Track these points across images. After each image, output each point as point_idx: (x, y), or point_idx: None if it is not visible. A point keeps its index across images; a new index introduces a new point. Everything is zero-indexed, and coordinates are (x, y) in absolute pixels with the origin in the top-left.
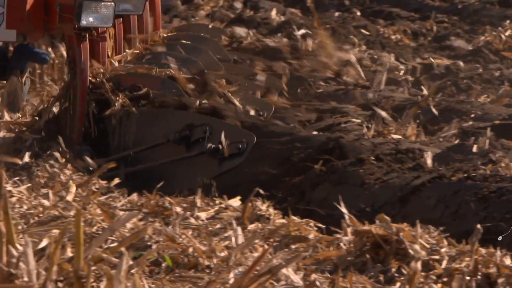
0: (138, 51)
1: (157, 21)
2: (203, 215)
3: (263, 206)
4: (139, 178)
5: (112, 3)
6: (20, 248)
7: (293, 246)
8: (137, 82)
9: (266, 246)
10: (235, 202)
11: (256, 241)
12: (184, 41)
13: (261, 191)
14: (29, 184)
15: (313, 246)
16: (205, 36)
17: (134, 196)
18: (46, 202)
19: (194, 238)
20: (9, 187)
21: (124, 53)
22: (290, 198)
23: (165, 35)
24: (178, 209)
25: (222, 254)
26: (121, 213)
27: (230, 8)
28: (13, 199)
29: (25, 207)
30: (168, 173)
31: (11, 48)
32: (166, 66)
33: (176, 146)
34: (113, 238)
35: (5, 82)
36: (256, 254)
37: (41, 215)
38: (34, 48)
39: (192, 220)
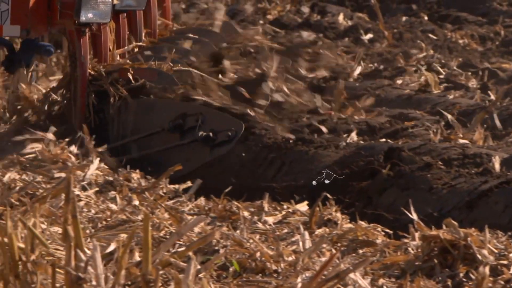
0: (144, 44)
1: (167, 15)
2: (270, 219)
3: (330, 211)
4: (138, 164)
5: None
6: (88, 252)
7: (360, 251)
8: (135, 74)
9: (333, 251)
10: (303, 206)
11: (324, 245)
12: (191, 35)
13: (329, 196)
14: (97, 188)
15: (380, 251)
16: (212, 30)
17: (202, 201)
18: (114, 206)
19: (261, 243)
20: (77, 191)
21: (126, 47)
22: (358, 203)
23: (174, 28)
24: (246, 214)
25: (290, 259)
26: (189, 217)
27: (298, 12)
28: (81, 203)
29: (93, 211)
30: (163, 159)
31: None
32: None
33: (170, 134)
34: (181, 242)
35: (12, 74)
36: (323, 259)
37: (109, 219)
38: (39, 41)
39: (260, 225)
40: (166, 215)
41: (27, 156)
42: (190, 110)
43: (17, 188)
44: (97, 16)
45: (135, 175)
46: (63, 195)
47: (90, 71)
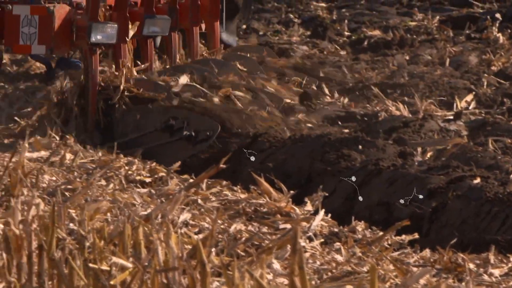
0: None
1: (216, 41)
2: (496, 272)
3: None
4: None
5: (116, 25)
6: None
7: None
8: (136, 85)
9: None
10: None
11: None
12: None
13: None
14: (322, 240)
15: None
16: (245, 56)
17: (427, 252)
18: (339, 258)
19: None
20: (302, 242)
21: (143, 66)
22: None
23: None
24: (471, 266)
25: None
26: (414, 269)
27: None
28: (307, 255)
29: (318, 262)
30: (157, 153)
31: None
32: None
33: (162, 133)
34: None
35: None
36: None
37: (334, 270)
38: (71, 58)
39: (486, 277)
40: (391, 267)
41: (253, 208)
42: (178, 114)
43: (243, 239)
44: (105, 38)
45: (360, 227)
46: (288, 246)
47: (100, 82)
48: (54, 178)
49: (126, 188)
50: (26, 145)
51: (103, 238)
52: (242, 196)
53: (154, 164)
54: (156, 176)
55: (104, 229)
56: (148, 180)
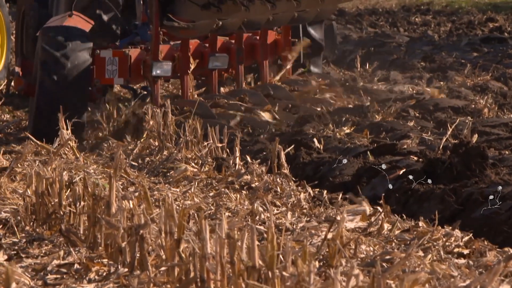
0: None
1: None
2: None
3: None
4: None
5: (170, 62)
6: None
7: None
8: (185, 104)
9: None
10: None
11: None
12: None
13: None
14: None
15: None
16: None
17: None
18: None
19: None
20: None
21: (198, 91)
22: None
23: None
24: None
25: None
26: None
27: None
28: None
29: None
30: None
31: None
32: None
33: None
34: None
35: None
36: None
37: None
38: (148, 87)
39: None
40: None
41: None
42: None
43: None
44: (162, 72)
45: None
46: None
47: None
48: (371, 248)
49: (444, 259)
50: (345, 215)
51: None
52: None
53: (471, 235)
54: (474, 247)
55: None
56: (465, 251)
